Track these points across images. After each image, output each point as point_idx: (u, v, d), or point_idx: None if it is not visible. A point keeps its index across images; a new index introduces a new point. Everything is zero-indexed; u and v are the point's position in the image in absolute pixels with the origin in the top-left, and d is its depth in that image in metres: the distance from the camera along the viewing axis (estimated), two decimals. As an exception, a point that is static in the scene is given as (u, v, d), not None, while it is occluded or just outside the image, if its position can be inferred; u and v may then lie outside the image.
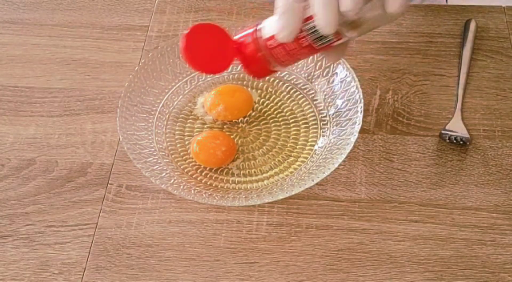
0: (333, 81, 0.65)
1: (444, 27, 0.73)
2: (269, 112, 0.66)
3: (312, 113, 0.66)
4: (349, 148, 0.58)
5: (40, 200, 0.61)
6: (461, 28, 0.73)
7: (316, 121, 0.65)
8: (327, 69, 0.65)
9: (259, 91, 0.68)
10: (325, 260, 0.57)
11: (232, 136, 0.64)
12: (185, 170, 0.62)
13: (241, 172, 0.62)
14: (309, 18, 0.50)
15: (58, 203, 0.61)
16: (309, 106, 0.66)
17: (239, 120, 0.66)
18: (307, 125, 0.65)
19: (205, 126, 0.66)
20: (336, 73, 0.65)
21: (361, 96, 0.61)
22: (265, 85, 0.68)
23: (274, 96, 0.67)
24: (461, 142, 0.63)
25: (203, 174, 0.62)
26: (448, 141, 0.63)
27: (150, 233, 0.59)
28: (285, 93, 0.67)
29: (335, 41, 0.51)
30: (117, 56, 0.73)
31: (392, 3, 0.47)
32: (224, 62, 0.54)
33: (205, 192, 0.59)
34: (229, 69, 0.68)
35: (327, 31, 0.49)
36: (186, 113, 0.67)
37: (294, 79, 0.68)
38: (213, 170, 0.62)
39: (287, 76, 0.68)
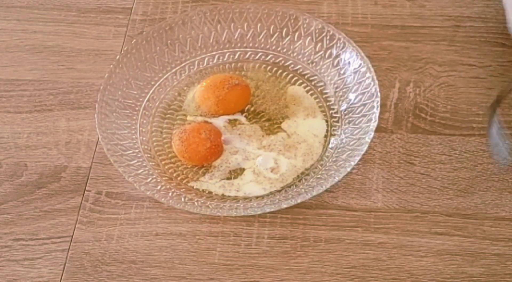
0: (345, 72, 0.65)
1: (474, 10, 0.73)
2: (271, 107, 0.66)
3: (321, 109, 0.66)
4: (363, 149, 0.58)
5: (6, 209, 0.62)
6: (494, 11, 0.73)
7: (325, 118, 0.65)
8: (337, 58, 0.65)
9: (259, 82, 0.68)
10: (336, 278, 0.57)
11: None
12: (174, 175, 0.62)
13: (239, 177, 0.62)
14: None
15: (28, 213, 0.61)
16: (318, 100, 0.66)
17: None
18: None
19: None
20: (349, 62, 0.65)
21: (378, 90, 0.61)
22: (266, 76, 0.68)
23: (276, 88, 0.67)
24: (493, 142, 0.63)
25: (195, 179, 0.62)
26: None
27: (133, 247, 0.59)
28: (289, 85, 0.67)
29: None
30: (95, 43, 0.73)
31: None
32: None
33: (197, 200, 0.59)
34: (225, 58, 0.68)
35: None
36: (175, 108, 0.67)
37: (300, 69, 0.68)
38: (206, 175, 0.62)
39: (292, 65, 0.68)
